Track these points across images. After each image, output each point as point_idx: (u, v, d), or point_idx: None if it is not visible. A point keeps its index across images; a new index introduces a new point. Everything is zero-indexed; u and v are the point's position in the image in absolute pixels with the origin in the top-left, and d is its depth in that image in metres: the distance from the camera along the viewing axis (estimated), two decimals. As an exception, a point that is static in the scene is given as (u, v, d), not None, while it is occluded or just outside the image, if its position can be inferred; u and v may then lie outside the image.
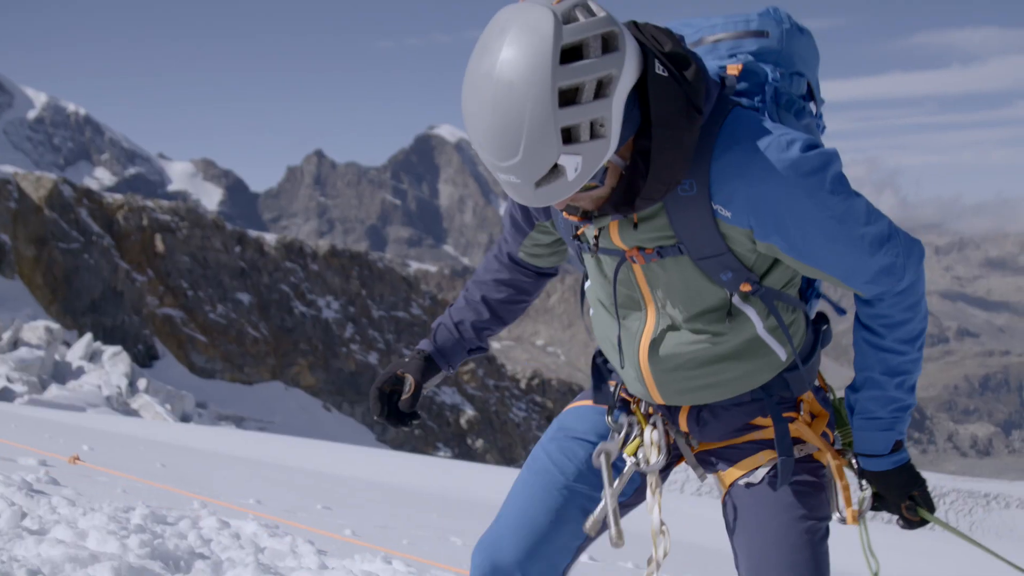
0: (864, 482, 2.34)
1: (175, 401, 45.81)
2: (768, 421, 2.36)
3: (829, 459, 2.36)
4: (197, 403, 48.74)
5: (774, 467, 2.34)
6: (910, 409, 2.29)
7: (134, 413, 40.41)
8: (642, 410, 2.47)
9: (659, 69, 1.93)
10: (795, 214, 2.04)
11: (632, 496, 2.51)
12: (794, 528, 2.30)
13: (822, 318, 2.48)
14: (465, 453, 63.05)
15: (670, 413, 2.43)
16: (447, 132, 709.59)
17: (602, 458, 2.39)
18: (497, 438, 69.78)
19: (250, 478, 11.62)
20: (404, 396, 2.55)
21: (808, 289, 2.44)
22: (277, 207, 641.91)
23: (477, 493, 16.18)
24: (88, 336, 46.89)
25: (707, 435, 2.40)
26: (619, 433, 2.43)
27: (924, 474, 2.32)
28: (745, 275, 2.17)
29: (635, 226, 2.15)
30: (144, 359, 55.48)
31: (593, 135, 1.87)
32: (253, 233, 71.79)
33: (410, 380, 2.56)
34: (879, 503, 2.31)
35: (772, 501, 2.32)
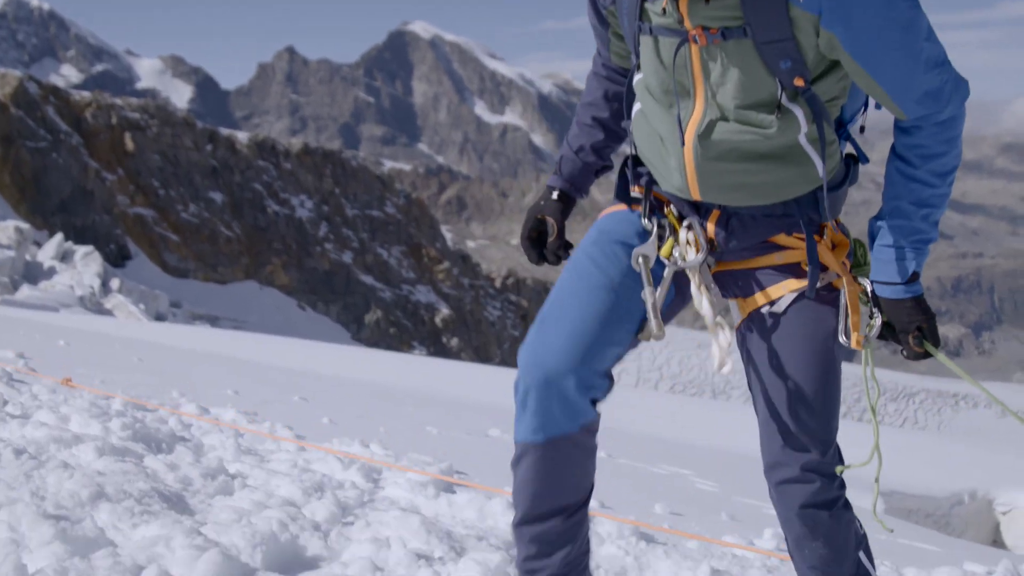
0: (875, 310, 2.40)
1: (149, 301, 45.81)
2: (791, 241, 2.43)
3: (845, 285, 2.42)
4: (171, 303, 48.77)
5: (796, 297, 2.42)
6: (931, 243, 2.38)
7: (107, 313, 40.41)
8: (675, 213, 2.52)
9: None
10: (865, 8, 2.13)
11: (667, 308, 2.56)
12: (815, 357, 2.39)
13: (853, 158, 2.54)
14: (440, 351, 63.64)
15: (700, 216, 2.48)
16: (421, 28, 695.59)
17: (640, 260, 2.44)
18: (472, 337, 70.44)
19: (227, 373, 11.77)
20: (551, 239, 2.68)
21: (840, 129, 2.49)
22: (248, 105, 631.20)
23: (452, 390, 16.45)
24: (59, 236, 46.52)
25: (733, 243, 2.46)
26: (654, 234, 2.48)
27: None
28: (801, 68, 2.24)
29: (706, 2, 2.20)
30: (116, 259, 55.22)
31: None
32: (224, 131, 70.82)
33: (551, 222, 2.70)
34: (888, 332, 2.40)
35: (794, 330, 2.41)
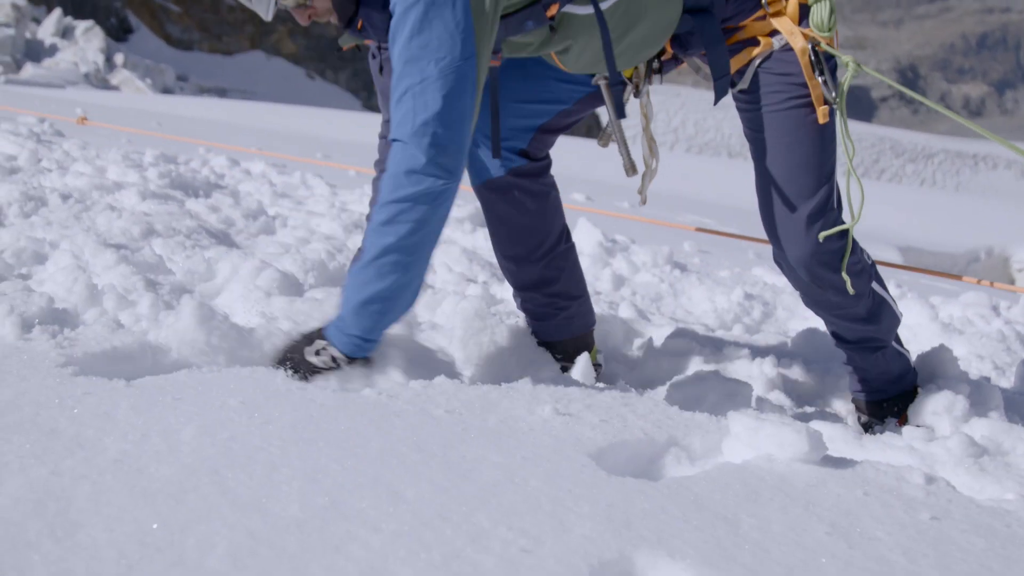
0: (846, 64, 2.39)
1: (155, 75, 45.08)
2: (743, 23, 2.40)
3: (799, 55, 2.36)
4: (177, 76, 47.98)
5: (762, 60, 2.40)
6: None
7: (114, 89, 39.92)
8: None
9: None
10: None
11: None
12: (781, 115, 2.40)
13: None
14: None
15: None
16: None
17: (602, 84, 2.42)
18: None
19: (247, 136, 11.76)
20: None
21: None
22: None
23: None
24: (57, 11, 45.26)
25: (693, 51, 2.44)
26: None
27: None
28: None
29: None
30: (118, 33, 53.86)
31: None
32: None
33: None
34: None
35: (763, 92, 2.40)
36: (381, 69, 2.56)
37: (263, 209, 4.56)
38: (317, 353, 2.15)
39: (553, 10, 2.20)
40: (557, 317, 2.66)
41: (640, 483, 1.68)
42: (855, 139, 2.42)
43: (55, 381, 1.85)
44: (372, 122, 25.14)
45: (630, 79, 2.47)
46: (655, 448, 1.94)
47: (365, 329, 2.13)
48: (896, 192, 30.77)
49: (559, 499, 1.56)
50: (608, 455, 1.85)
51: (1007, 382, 3.49)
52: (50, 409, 1.70)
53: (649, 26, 2.30)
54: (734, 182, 19.06)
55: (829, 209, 2.42)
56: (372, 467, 1.59)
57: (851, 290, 2.42)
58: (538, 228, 2.63)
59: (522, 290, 2.68)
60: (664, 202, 11.81)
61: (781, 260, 2.51)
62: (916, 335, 3.88)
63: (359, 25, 2.21)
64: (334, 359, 2.14)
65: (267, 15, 2.17)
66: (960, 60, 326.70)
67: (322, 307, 2.60)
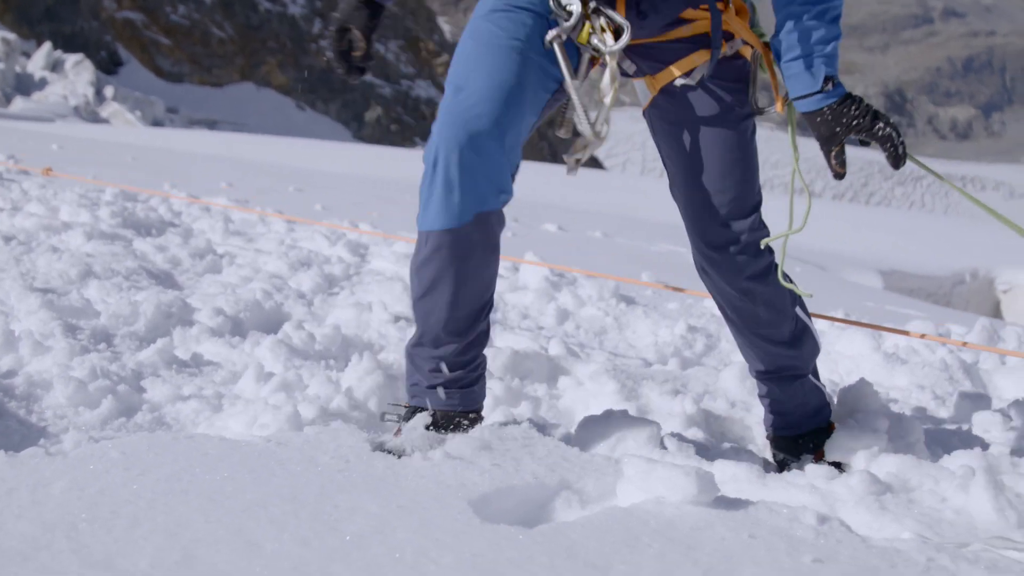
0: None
1: (145, 107, 45.24)
2: (698, 14, 2.34)
3: (757, 51, 2.37)
4: (167, 108, 48.14)
5: (708, 68, 2.36)
6: (836, 41, 2.27)
7: (103, 122, 40.02)
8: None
9: None
10: None
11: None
12: (729, 127, 2.38)
13: None
14: (442, 149, 63.06)
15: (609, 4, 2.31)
16: None
17: (555, 45, 2.24)
18: (473, 133, 69.66)
19: (222, 168, 11.78)
20: (356, 53, 2.42)
21: None
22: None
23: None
24: (47, 45, 45.49)
25: (646, 27, 2.33)
26: (565, 17, 2.26)
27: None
28: None
29: None
30: (108, 66, 54.07)
31: None
32: (207, -74, 67.49)
33: (359, 36, 2.42)
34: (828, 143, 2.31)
35: (707, 101, 2.38)
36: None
37: (212, 248, 4.56)
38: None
39: None
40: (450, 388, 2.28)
41: (514, 531, 1.67)
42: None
43: (-60, 434, 1.85)
44: (360, 152, 25.22)
45: (586, 43, 2.27)
46: (545, 493, 1.93)
47: None
48: (885, 215, 30.88)
49: (424, 550, 1.56)
50: (493, 501, 1.83)
51: (946, 412, 3.49)
52: (-77, 464, 1.70)
53: None
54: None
55: (760, 224, 2.42)
56: (237, 519, 1.59)
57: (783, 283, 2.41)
58: (490, 285, 2.30)
59: (440, 349, 2.25)
60: (644, 229, 11.84)
61: (712, 276, 2.45)
62: (859, 365, 3.88)
63: None
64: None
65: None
66: (947, 83, 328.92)
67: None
